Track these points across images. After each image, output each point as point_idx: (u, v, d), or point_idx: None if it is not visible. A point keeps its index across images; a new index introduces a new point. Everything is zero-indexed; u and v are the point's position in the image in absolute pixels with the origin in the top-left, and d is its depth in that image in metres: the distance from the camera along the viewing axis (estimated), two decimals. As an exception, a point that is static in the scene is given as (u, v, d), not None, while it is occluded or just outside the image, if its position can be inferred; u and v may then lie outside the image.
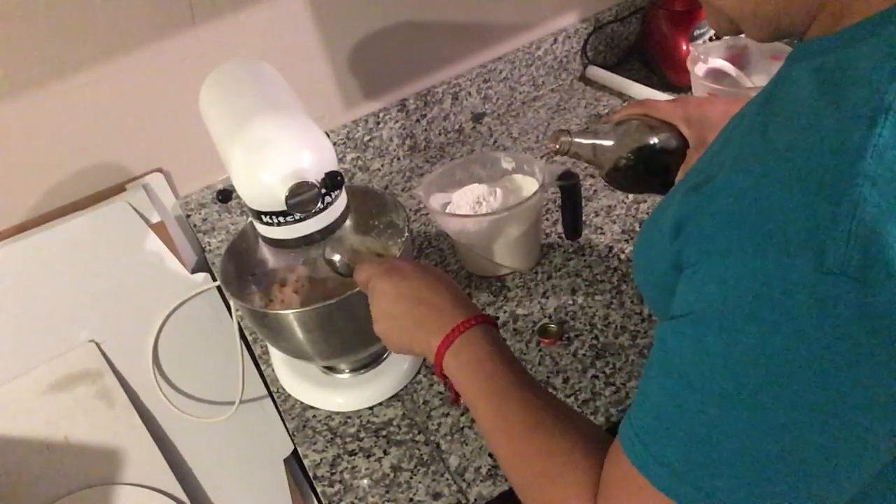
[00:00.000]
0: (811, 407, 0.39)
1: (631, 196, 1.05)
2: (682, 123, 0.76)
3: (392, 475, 0.78)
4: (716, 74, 1.07)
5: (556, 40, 1.29)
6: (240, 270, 0.84)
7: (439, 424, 0.82)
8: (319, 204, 0.68)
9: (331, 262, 0.73)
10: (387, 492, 0.77)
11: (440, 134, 1.27)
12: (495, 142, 1.25)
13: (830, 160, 0.39)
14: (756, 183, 0.42)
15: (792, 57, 0.50)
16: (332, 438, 0.84)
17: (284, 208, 0.65)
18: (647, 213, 1.02)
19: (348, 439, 0.83)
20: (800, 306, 0.38)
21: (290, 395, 0.90)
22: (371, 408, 0.86)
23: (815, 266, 0.37)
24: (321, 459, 0.82)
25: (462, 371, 0.59)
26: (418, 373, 0.88)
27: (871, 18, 0.43)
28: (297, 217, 0.68)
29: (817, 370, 0.38)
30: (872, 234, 0.37)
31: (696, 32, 1.19)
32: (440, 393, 0.85)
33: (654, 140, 0.76)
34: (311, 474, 0.82)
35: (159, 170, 1.08)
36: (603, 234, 1.00)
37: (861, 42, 0.43)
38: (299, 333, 0.77)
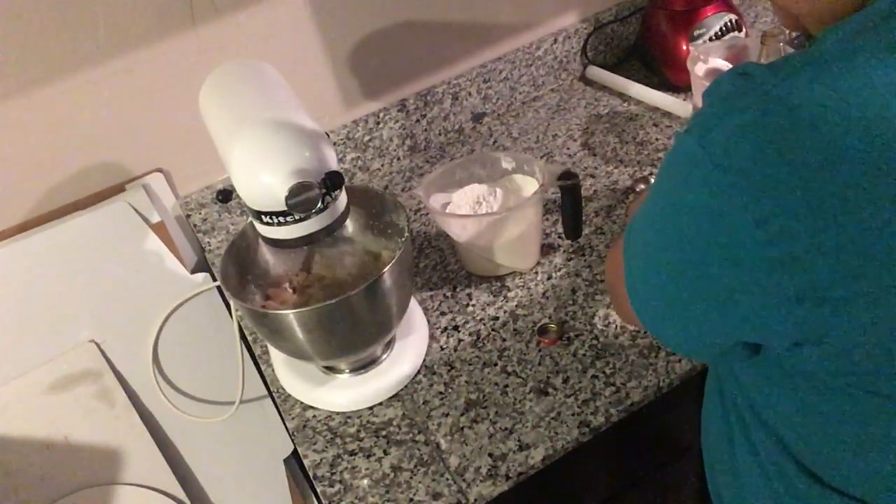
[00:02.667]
0: (679, 242, 0.49)
1: (631, 196, 1.05)
2: None
3: (392, 475, 0.78)
4: (716, 74, 1.07)
5: (556, 40, 1.29)
6: (240, 270, 0.84)
7: (439, 424, 0.82)
8: (319, 204, 0.68)
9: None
10: (387, 492, 0.77)
11: (440, 134, 1.27)
12: (495, 142, 1.25)
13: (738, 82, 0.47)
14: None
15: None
16: (332, 438, 0.84)
17: (284, 208, 0.65)
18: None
19: (348, 439, 0.83)
20: (678, 161, 0.49)
21: (290, 395, 0.90)
22: (371, 408, 0.86)
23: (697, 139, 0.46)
24: (321, 459, 0.82)
25: None
26: (418, 373, 0.88)
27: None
28: (297, 217, 0.68)
29: (677, 207, 0.49)
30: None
31: (696, 32, 1.19)
32: (440, 393, 0.85)
33: None
34: (311, 474, 0.82)
35: (159, 170, 1.08)
36: (603, 234, 1.00)
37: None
38: (299, 333, 0.77)
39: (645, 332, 0.86)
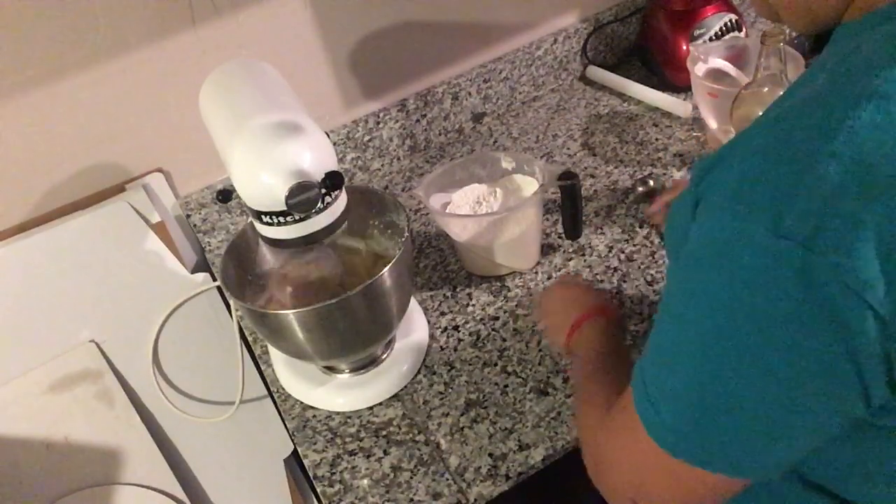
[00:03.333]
0: (748, 353, 0.42)
1: (631, 196, 1.05)
2: None
3: (392, 475, 0.78)
4: (716, 74, 1.07)
5: (556, 40, 1.29)
6: (240, 270, 0.84)
7: (439, 424, 0.82)
8: (319, 204, 0.68)
9: None
10: (387, 492, 0.77)
11: (440, 134, 1.27)
12: (495, 142, 1.25)
13: (806, 134, 0.41)
14: (744, 148, 0.45)
15: (832, 40, 0.51)
16: (332, 438, 0.84)
17: (284, 208, 0.65)
18: (647, 213, 1.02)
19: (348, 439, 0.83)
20: (750, 260, 0.41)
21: (290, 395, 0.90)
22: (371, 408, 0.86)
23: (770, 228, 0.40)
24: (321, 459, 0.82)
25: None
26: (418, 373, 0.88)
27: (890, 6, 0.45)
28: (297, 217, 0.68)
29: (755, 320, 0.41)
30: (827, 209, 0.39)
31: (696, 32, 1.19)
32: (440, 393, 0.85)
33: None
34: (311, 474, 0.82)
35: (159, 170, 1.08)
36: (603, 234, 1.00)
37: (875, 28, 0.45)
38: (299, 333, 0.77)
39: (645, 333, 0.86)
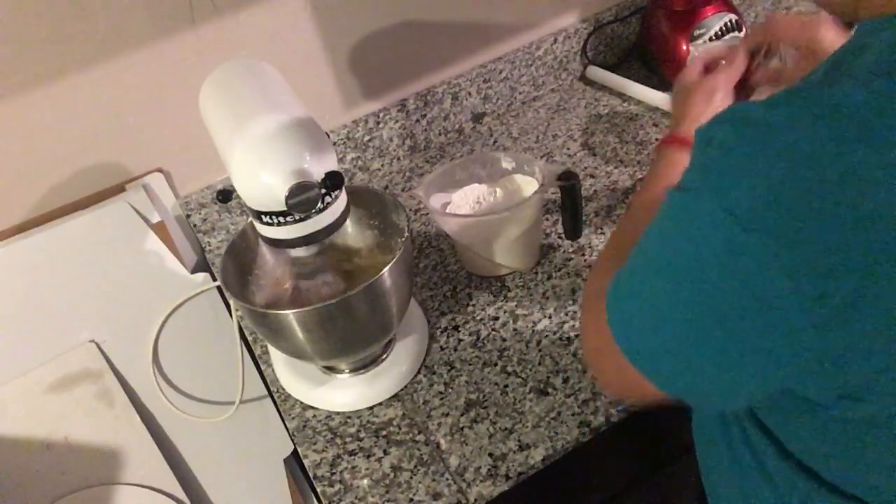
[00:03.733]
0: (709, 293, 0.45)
1: (631, 196, 1.05)
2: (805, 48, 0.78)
3: (392, 475, 0.78)
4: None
5: (556, 40, 1.29)
6: (240, 270, 0.84)
7: (439, 424, 0.82)
8: (319, 204, 0.68)
9: None
10: (387, 492, 0.77)
11: (440, 134, 1.27)
12: (495, 142, 1.25)
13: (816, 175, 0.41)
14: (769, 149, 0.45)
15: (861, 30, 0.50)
16: (332, 438, 0.84)
17: (284, 208, 0.65)
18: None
19: (348, 439, 0.83)
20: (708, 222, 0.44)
21: (290, 395, 0.90)
22: (371, 408, 0.86)
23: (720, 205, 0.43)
24: (321, 459, 0.82)
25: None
26: (418, 373, 0.88)
27: None
28: (297, 217, 0.68)
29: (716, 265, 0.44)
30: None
31: (696, 32, 1.19)
32: (440, 393, 0.85)
33: None
34: (311, 474, 0.82)
35: (159, 170, 1.08)
36: (603, 234, 1.00)
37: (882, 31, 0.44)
38: (299, 333, 0.77)
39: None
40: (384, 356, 0.89)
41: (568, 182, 0.91)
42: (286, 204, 0.65)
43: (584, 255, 0.98)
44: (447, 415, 0.83)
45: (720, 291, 0.44)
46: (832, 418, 0.48)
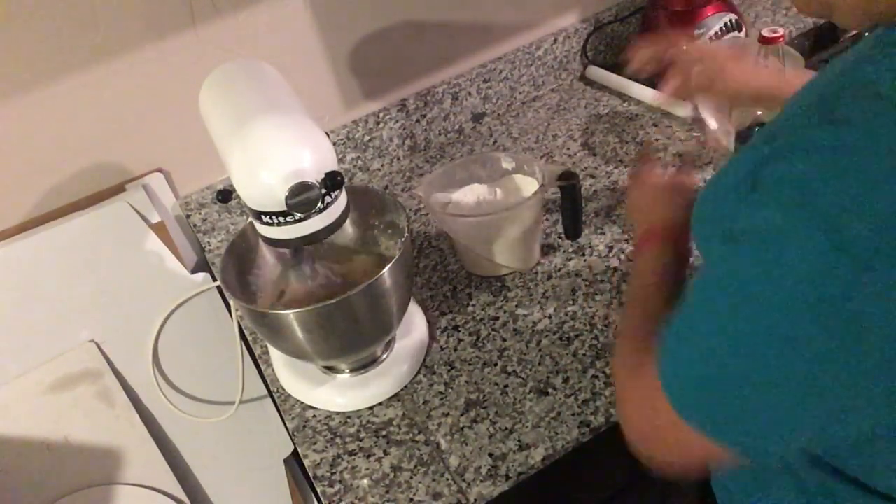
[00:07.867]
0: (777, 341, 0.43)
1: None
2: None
3: (392, 475, 0.78)
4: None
5: (556, 40, 1.29)
6: (240, 270, 0.84)
7: (439, 424, 0.82)
8: (319, 204, 0.68)
9: None
10: (387, 492, 0.77)
11: (440, 134, 1.27)
12: (495, 142, 1.25)
13: (872, 149, 0.41)
14: (807, 141, 0.44)
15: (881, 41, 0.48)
16: (332, 438, 0.84)
17: (284, 208, 0.65)
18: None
19: (348, 439, 0.83)
20: (800, 261, 0.41)
21: (290, 395, 0.90)
22: (371, 408, 0.86)
23: (828, 238, 0.40)
24: (321, 459, 0.82)
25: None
26: (418, 373, 0.88)
27: None
28: (297, 217, 0.68)
29: (792, 310, 0.42)
30: (886, 234, 0.39)
31: (696, 32, 1.19)
32: (440, 393, 0.85)
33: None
34: (311, 474, 0.82)
35: (159, 170, 1.08)
36: (603, 234, 1.00)
37: None
38: (299, 333, 0.77)
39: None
40: (384, 356, 0.89)
41: (568, 182, 0.91)
42: (286, 204, 0.65)
43: (584, 255, 0.98)
44: (447, 415, 0.83)
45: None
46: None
